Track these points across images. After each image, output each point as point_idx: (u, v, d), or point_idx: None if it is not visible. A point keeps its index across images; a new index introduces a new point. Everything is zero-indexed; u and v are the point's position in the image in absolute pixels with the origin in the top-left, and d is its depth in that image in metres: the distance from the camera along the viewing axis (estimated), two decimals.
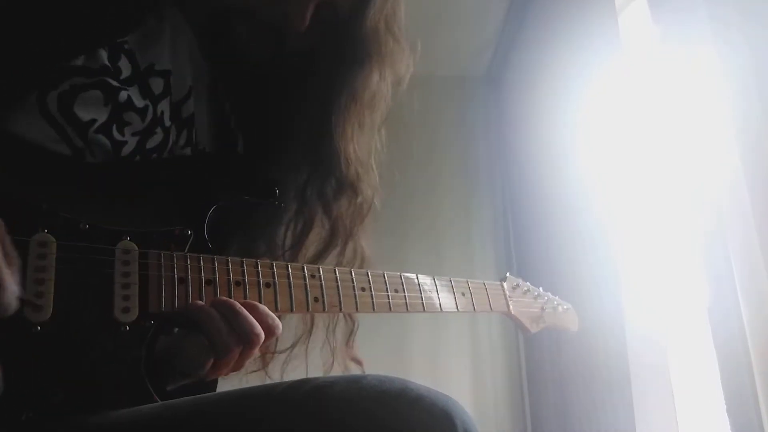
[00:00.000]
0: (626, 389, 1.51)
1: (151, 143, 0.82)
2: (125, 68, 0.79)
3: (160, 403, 0.68)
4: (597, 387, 1.74)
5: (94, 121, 0.75)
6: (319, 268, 0.84)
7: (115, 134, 0.77)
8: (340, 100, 0.95)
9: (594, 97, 1.77)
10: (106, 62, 0.76)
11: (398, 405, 0.62)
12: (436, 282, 0.97)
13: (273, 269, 0.79)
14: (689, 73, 1.29)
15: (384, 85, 0.99)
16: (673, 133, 1.35)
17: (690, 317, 1.41)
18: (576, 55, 1.88)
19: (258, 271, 0.78)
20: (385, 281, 0.90)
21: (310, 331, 0.98)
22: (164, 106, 0.83)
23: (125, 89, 0.78)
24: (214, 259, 0.75)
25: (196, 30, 0.91)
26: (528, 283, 1.15)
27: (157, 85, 0.82)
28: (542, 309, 1.15)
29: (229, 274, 0.76)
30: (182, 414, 0.64)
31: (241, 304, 0.72)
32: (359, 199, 1.00)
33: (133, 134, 0.79)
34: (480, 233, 2.72)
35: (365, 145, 1.01)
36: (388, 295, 0.89)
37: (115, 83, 0.77)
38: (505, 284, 1.10)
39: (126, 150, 0.79)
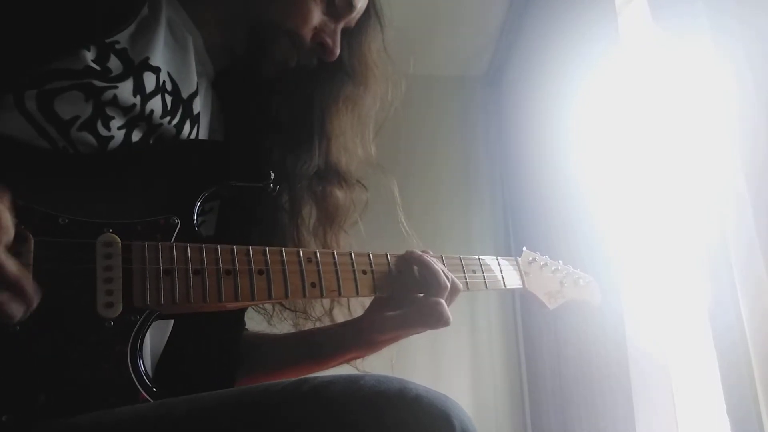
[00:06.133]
0: (626, 390, 1.50)
1: (135, 135, 0.79)
2: (115, 67, 0.77)
3: (157, 401, 0.66)
4: (597, 387, 1.73)
5: (76, 118, 0.73)
6: (316, 252, 0.81)
7: (101, 129, 0.75)
8: (332, 101, 1.02)
9: (594, 97, 1.76)
10: (91, 63, 0.74)
11: (396, 405, 0.61)
12: (444, 261, 0.94)
13: (266, 256, 0.76)
14: (689, 73, 1.28)
15: (375, 101, 1.06)
16: (673, 134, 1.34)
17: (690, 317, 1.40)
18: (576, 55, 1.88)
19: (249, 259, 0.75)
20: (389, 263, 0.87)
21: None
22: (154, 105, 0.81)
23: (113, 87, 0.76)
24: (202, 248, 0.72)
25: (207, 30, 0.91)
26: (546, 256, 1.11)
27: (150, 81, 0.80)
28: (561, 283, 1.11)
29: (218, 263, 0.73)
30: (178, 412, 0.63)
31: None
32: (350, 195, 1.02)
33: (119, 128, 0.77)
34: (480, 233, 2.70)
35: (357, 147, 1.05)
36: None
37: (100, 84, 0.75)
38: (519, 259, 1.07)
39: (113, 144, 0.76)
